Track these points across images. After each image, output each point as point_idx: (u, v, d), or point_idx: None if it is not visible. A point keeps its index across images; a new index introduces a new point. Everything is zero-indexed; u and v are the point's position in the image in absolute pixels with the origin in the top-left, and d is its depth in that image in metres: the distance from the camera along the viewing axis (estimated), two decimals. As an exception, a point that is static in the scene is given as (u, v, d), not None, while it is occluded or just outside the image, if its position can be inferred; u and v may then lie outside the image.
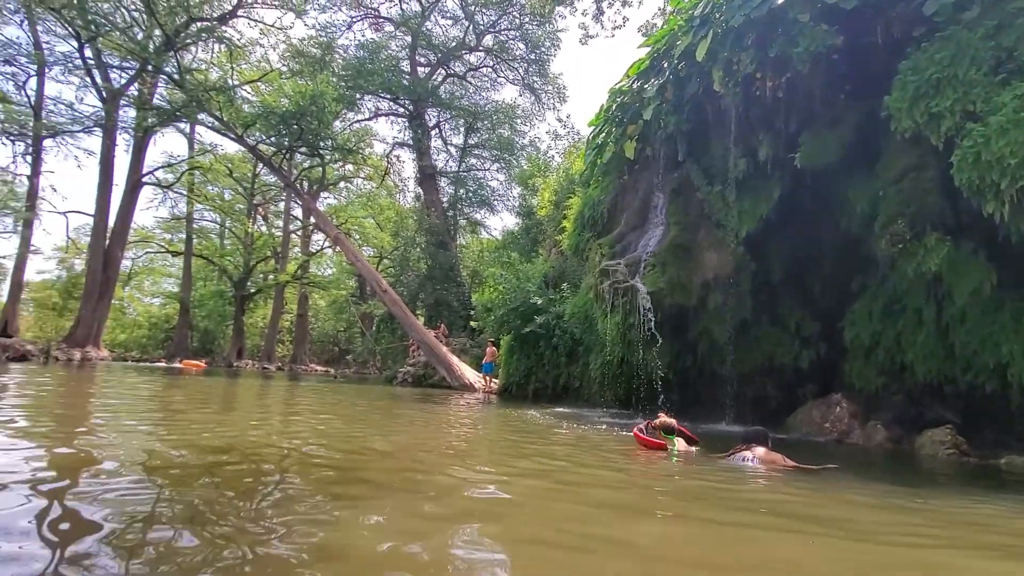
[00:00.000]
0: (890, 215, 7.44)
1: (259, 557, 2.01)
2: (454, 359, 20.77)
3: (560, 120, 36.40)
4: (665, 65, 9.80)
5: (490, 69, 34.52)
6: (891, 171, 7.55)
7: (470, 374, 19.90)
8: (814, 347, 9.90)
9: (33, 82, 26.83)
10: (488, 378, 18.41)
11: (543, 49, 31.72)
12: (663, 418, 5.86)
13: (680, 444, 5.68)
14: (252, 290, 41.89)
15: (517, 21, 31.29)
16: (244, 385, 15.64)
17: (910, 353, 8.11)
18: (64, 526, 2.27)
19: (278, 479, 3.48)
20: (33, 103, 26.72)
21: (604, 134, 11.18)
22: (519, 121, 33.62)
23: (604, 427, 8.19)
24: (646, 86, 10.30)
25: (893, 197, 7.46)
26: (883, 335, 8.45)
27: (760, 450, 5.12)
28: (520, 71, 33.25)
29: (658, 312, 9.55)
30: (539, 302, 14.87)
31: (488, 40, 32.88)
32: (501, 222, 66.53)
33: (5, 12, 24.60)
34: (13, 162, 28.05)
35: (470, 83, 34.81)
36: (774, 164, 8.69)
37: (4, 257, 33.98)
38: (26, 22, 25.63)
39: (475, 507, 3.00)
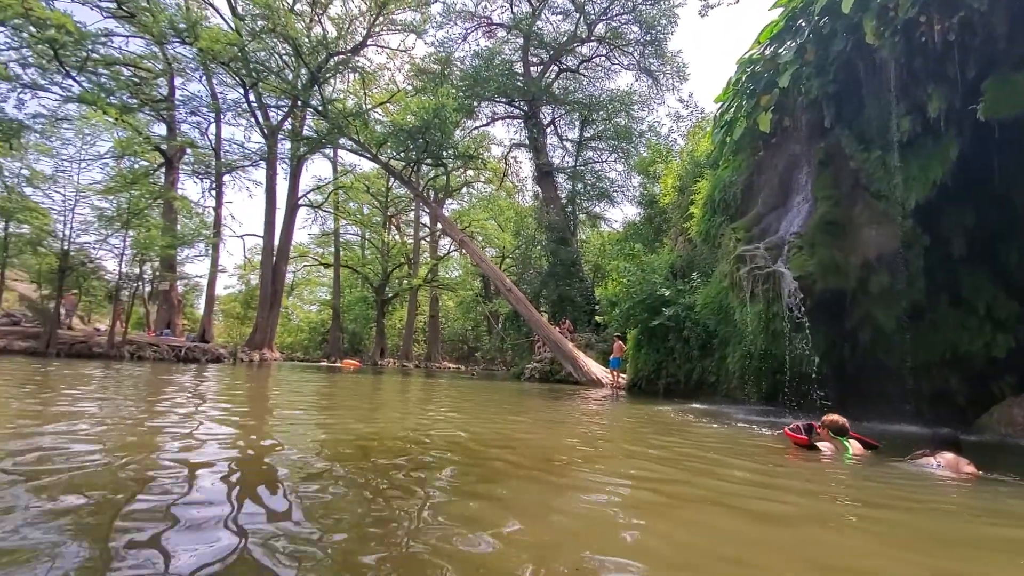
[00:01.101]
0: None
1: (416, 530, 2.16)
2: (580, 354, 20.73)
3: (681, 100, 34.48)
4: (803, 24, 8.82)
5: (603, 58, 33.87)
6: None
7: (597, 369, 19.72)
8: (1010, 332, 8.27)
9: (212, 128, 31.86)
10: (615, 373, 18.10)
11: (659, 28, 30.34)
12: (833, 417, 5.24)
13: (855, 446, 5.03)
14: (390, 295, 45.62)
15: (629, 4, 30.29)
16: (391, 381, 17.08)
17: None
18: (254, 498, 2.65)
19: (432, 464, 3.73)
20: (213, 145, 31.69)
21: (734, 109, 10.36)
22: (636, 107, 32.54)
23: (751, 425, 7.61)
24: (781, 51, 9.35)
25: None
26: (1118, 315, 6.79)
27: (948, 455, 4.39)
28: (635, 55, 32.16)
29: (807, 299, 8.62)
30: (667, 294, 14.26)
31: (600, 29, 32.25)
32: (622, 213, 64.81)
33: (188, 71, 29.45)
34: (202, 196, 33.55)
35: (583, 75, 34.46)
36: (948, 119, 7.38)
37: (200, 276, 40.78)
38: (204, 78, 30.46)
39: (619, 515, 2.94)
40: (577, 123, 34.74)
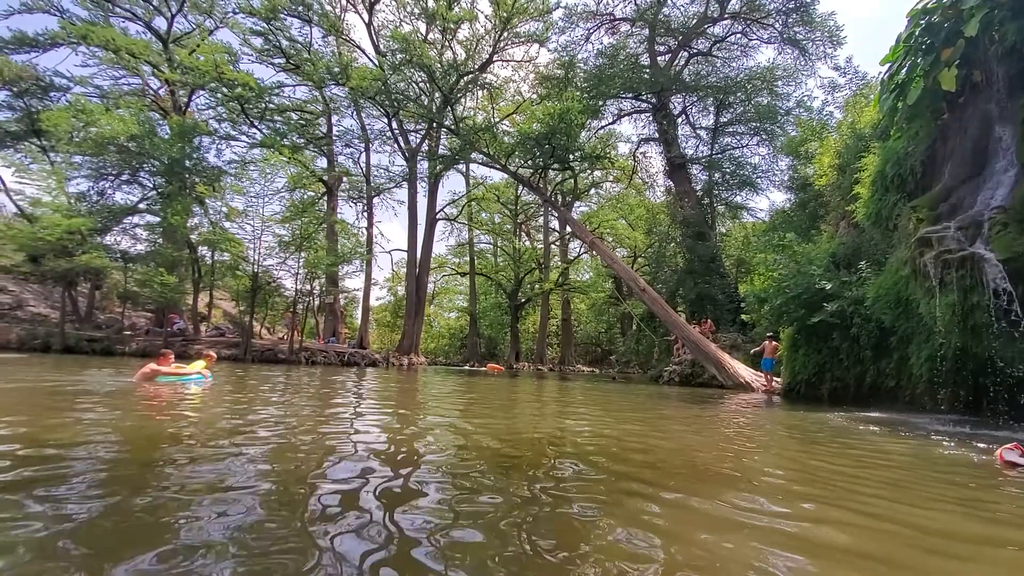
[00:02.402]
0: None
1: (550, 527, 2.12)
2: (725, 356, 19.29)
3: (837, 68, 30.08)
4: (997, -45, 7.30)
5: (739, 35, 31.37)
6: None
7: (745, 372, 18.18)
8: None
9: (363, 156, 35.59)
10: (768, 376, 16.53)
11: (805, -10, 27.33)
12: None
13: None
14: (522, 300, 46.84)
15: (769, -29, 27.74)
16: (527, 384, 17.48)
17: None
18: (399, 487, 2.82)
19: (570, 466, 3.70)
20: (364, 172, 35.33)
21: (907, 69, 8.90)
22: (780, 83, 29.60)
23: (951, 440, 6.41)
24: (966, -8, 7.83)
25: None
26: None
27: None
28: (776, 27, 29.30)
29: (1018, 286, 7.08)
30: (828, 287, 12.67)
31: (734, 4, 29.95)
32: (768, 201, 59.35)
33: (342, 109, 33.26)
34: (357, 218, 37.60)
35: (717, 57, 32.26)
36: None
37: (356, 290, 45.68)
38: (354, 112, 34.14)
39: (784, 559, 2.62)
40: (712, 109, 32.59)
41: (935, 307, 8.31)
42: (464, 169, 43.03)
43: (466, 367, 37.85)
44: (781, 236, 18.36)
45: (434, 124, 31.56)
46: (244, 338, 25.77)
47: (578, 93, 27.99)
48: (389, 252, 42.19)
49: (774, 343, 15.86)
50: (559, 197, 37.63)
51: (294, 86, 31.13)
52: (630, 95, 31.31)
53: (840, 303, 12.22)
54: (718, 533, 2.39)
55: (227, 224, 27.38)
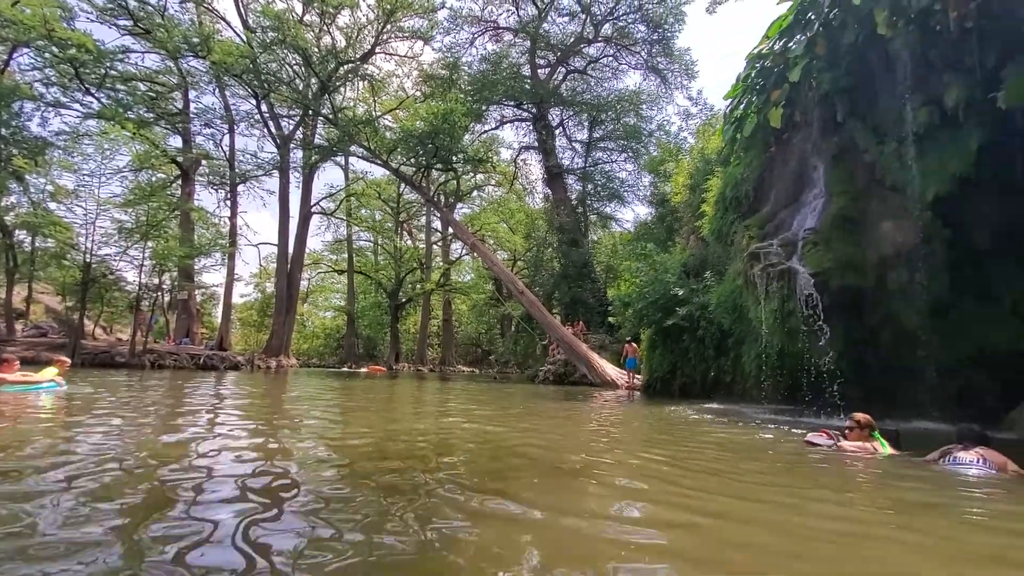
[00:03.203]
0: None
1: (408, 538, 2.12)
2: (594, 356, 20.61)
3: (691, 99, 34.23)
4: (812, 17, 8.66)
5: (610, 58, 33.79)
6: None
7: (611, 370, 19.58)
8: (1043, 327, 8.01)
9: (226, 139, 32.34)
10: (631, 374, 17.97)
11: (666, 27, 30.19)
12: (865, 416, 5.18)
13: (887, 445, 4.97)
14: (403, 299, 45.88)
15: (636, 3, 30.17)
16: (407, 385, 17.13)
17: None
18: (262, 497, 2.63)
19: (433, 471, 3.69)
20: (228, 156, 32.14)
21: (744, 105, 10.22)
22: (644, 107, 32.42)
23: (770, 425, 7.46)
24: (791, 45, 9.20)
25: None
26: None
27: (979, 449, 4.27)
28: (642, 54, 32.03)
29: (824, 296, 8.45)
30: (680, 293, 14.11)
31: (607, 29, 32.19)
32: (633, 213, 64.43)
33: (202, 84, 29.94)
34: (218, 207, 34.06)
35: (591, 76, 34.39)
36: (966, 110, 7.19)
37: (217, 286, 41.37)
38: (217, 90, 30.94)
39: (635, 527, 2.87)
40: (586, 124, 34.70)
41: (761, 312, 9.64)
42: (343, 162, 41.08)
43: (344, 368, 36.11)
44: (643, 246, 20.09)
45: (310, 111, 29.73)
46: (72, 338, 22.11)
47: (462, 95, 28.12)
48: (256, 246, 38.89)
49: (632, 345, 17.33)
50: (442, 197, 37.47)
51: (143, 53, 27.35)
52: (512, 103, 32.21)
53: (689, 308, 13.67)
54: (578, 503, 2.54)
55: (52, 205, 23.33)
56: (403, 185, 38.28)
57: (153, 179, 28.46)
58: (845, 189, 8.58)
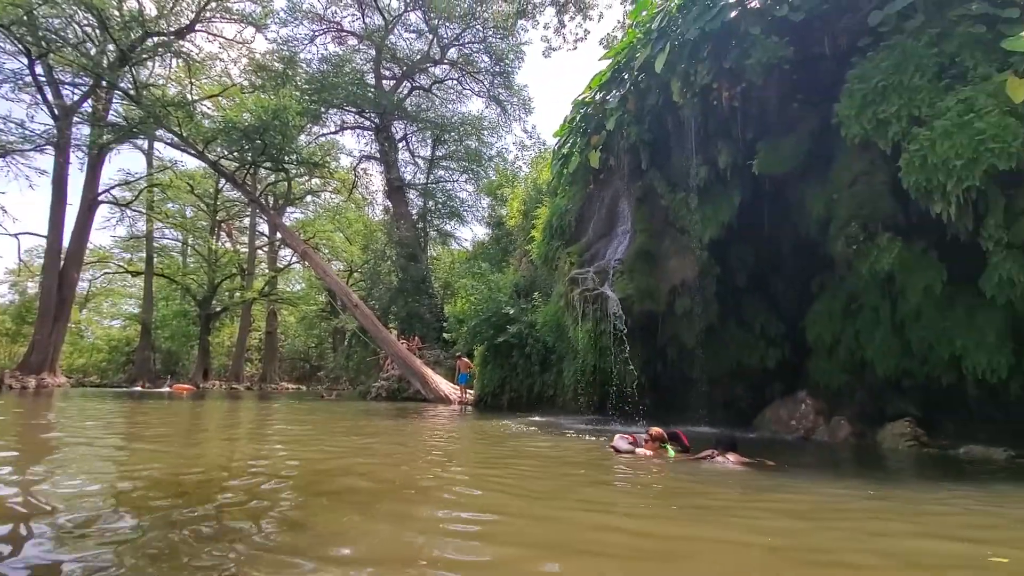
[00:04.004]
0: (844, 218, 7.73)
1: None
2: (428, 371, 20.59)
3: (526, 131, 37.07)
4: (626, 77, 10.00)
5: (455, 81, 34.66)
6: (844, 176, 7.85)
7: (445, 386, 19.75)
8: (780, 347, 10.17)
9: (-22, 100, 25.71)
10: (463, 389, 18.33)
11: (507, 62, 32.01)
12: (656, 430, 5.99)
13: (673, 451, 5.81)
14: (217, 308, 40.80)
15: (481, 34, 31.52)
16: (217, 407, 15.14)
17: (869, 350, 8.41)
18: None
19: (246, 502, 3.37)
20: (-21, 121, 25.53)
21: (569, 144, 11.32)
22: (486, 132, 33.79)
23: (578, 435, 8.21)
24: (608, 97, 10.48)
25: (847, 200, 7.75)
26: (843, 333, 8.75)
27: (732, 455, 5.30)
28: (485, 83, 33.47)
29: (628, 318, 9.67)
30: (511, 312, 14.89)
31: (453, 53, 33.02)
32: (471, 233, 66.42)
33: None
34: (-42, 183, 26.71)
35: (436, 95, 34.85)
36: (733, 172, 8.93)
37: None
38: (-31, 38, 24.59)
39: (455, 527, 2.96)
40: (429, 141, 34.98)
41: (578, 332, 10.66)
42: (146, 147, 35.43)
43: (136, 388, 30.64)
44: (479, 265, 20.84)
45: (104, 83, 25.17)
46: None
47: (298, 93, 26.36)
48: (16, 235, 31.30)
49: (465, 360, 17.77)
50: (270, 199, 34.50)
51: None
52: (354, 109, 31.15)
53: (519, 326, 14.50)
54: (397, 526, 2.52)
55: None
56: (223, 181, 34.30)
57: None
58: (646, 227, 9.99)
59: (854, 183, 7.71)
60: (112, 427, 8.61)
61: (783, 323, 10.19)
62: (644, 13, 9.68)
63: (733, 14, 7.80)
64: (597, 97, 10.73)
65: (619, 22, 19.51)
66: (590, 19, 18.66)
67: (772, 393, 10.15)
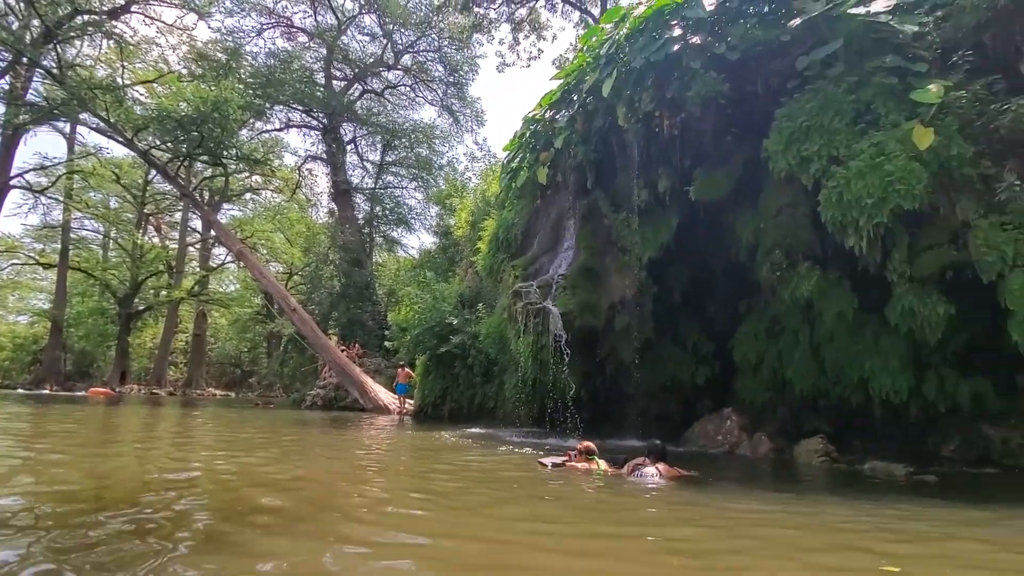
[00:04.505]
0: (770, 246, 8.24)
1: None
2: (368, 380, 20.09)
3: (477, 143, 37.31)
4: (575, 98, 10.28)
5: (408, 88, 34.36)
6: (770, 206, 8.39)
7: (385, 395, 19.33)
8: (710, 365, 10.64)
9: None
10: (402, 399, 18.00)
11: (461, 73, 32.10)
12: (585, 444, 6.08)
13: (603, 464, 5.92)
14: (140, 307, 38.20)
15: (436, 44, 31.48)
16: (135, 414, 14.08)
17: (789, 370, 8.96)
18: None
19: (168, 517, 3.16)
20: None
21: (519, 159, 11.48)
22: (437, 141, 33.65)
23: (514, 449, 8.25)
24: (558, 116, 10.73)
25: (772, 230, 8.28)
26: (767, 353, 9.28)
27: (661, 466, 5.47)
28: (439, 92, 33.39)
29: (569, 333, 9.84)
30: (455, 322, 14.82)
31: (407, 60, 32.79)
32: (419, 241, 65.73)
33: None
34: None
35: (388, 100, 34.42)
36: (672, 196, 9.34)
37: None
38: None
39: (387, 543, 2.91)
40: (379, 145, 34.46)
41: (520, 344, 10.74)
42: (68, 130, 32.88)
43: (44, 391, 28.09)
44: (424, 273, 20.64)
45: (24, 58, 23.25)
46: None
47: (241, 86, 25.31)
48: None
49: (407, 370, 17.48)
50: (205, 194, 32.85)
51: None
52: (301, 108, 30.26)
53: (462, 337, 14.44)
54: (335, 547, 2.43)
55: None
56: (154, 172, 32.28)
57: None
58: (589, 244, 10.25)
59: (779, 214, 8.25)
60: (12, 433, 7.87)
61: (714, 342, 10.67)
62: (594, 39, 10.02)
63: (676, 47, 8.21)
64: (547, 115, 10.97)
65: (571, 45, 20.12)
66: (544, 39, 19.13)
67: (702, 409, 10.58)
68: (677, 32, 8.31)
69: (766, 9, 8.27)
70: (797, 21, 7.66)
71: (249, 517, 3.47)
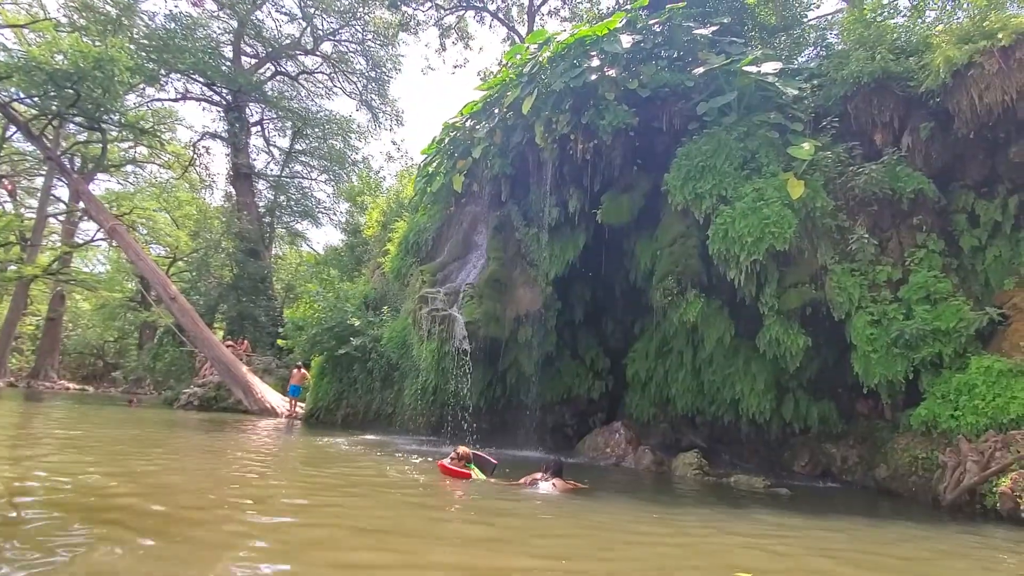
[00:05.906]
0: (663, 272, 8.89)
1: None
2: (255, 380, 18.69)
3: (395, 143, 36.45)
4: (496, 111, 10.46)
5: (326, 76, 32.85)
6: (666, 236, 9.06)
7: (272, 397, 18.09)
8: (605, 380, 11.19)
9: None
10: (294, 402, 16.98)
11: (384, 69, 31.30)
12: (463, 450, 6.09)
13: (477, 471, 5.97)
14: (-20, 283, 32.80)
15: (360, 36, 30.49)
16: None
17: (673, 388, 9.67)
18: None
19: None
20: None
21: (436, 164, 11.43)
22: (353, 136, 32.44)
23: (407, 456, 8.11)
24: (478, 127, 10.84)
25: (666, 257, 8.94)
26: (655, 372, 9.96)
27: (557, 481, 5.69)
28: (359, 86, 32.28)
29: (472, 342, 9.89)
30: (357, 323, 14.28)
31: (327, 47, 31.38)
32: (325, 236, 62.79)
33: None
34: None
35: (303, 86, 32.65)
36: (580, 216, 9.78)
37: None
38: None
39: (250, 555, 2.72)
40: (289, 132, 32.51)
41: (424, 351, 10.61)
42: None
43: None
44: (328, 271, 19.76)
45: None
46: None
47: (132, 47, 22.83)
48: None
49: (302, 371, 16.53)
50: (76, 160, 29.08)
51: None
52: (202, 80, 27.85)
53: (364, 339, 13.95)
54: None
55: None
56: (13, 128, 28.03)
57: None
58: (499, 256, 10.41)
59: (674, 243, 8.94)
60: None
61: (610, 358, 11.25)
62: (519, 56, 10.29)
63: (593, 77, 8.66)
64: (468, 124, 11.04)
65: (497, 60, 20.44)
66: (470, 49, 19.27)
67: (595, 422, 11.08)
68: (596, 63, 8.77)
69: (675, 55, 8.99)
70: (700, 70, 8.41)
71: (94, 536, 3.10)
